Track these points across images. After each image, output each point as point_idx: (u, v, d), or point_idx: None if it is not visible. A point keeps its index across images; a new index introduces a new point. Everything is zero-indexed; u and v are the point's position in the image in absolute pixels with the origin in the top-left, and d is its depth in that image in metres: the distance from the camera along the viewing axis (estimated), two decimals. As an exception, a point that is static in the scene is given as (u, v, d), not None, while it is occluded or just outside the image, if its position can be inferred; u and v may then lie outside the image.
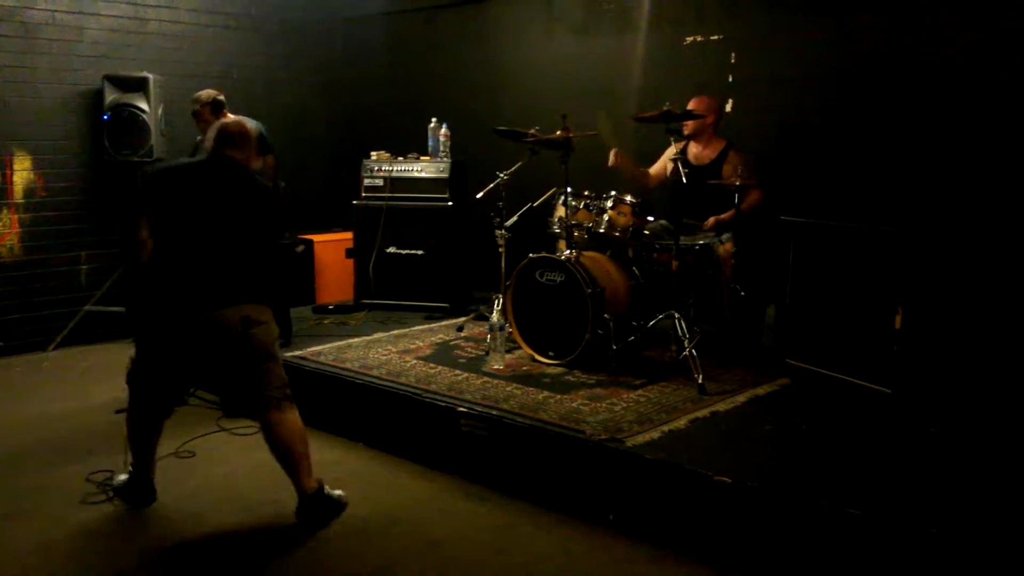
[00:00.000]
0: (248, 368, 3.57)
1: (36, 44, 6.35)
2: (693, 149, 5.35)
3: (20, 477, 4.12)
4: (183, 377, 3.86)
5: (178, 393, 3.92)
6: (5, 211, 6.32)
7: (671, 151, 4.83)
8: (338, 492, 3.73)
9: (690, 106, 5.11)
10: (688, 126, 5.21)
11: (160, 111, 6.46)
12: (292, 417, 3.60)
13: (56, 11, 6.42)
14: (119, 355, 6.35)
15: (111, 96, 6.34)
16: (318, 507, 3.62)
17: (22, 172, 6.38)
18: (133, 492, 3.81)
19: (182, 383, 3.94)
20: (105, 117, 6.33)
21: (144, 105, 6.34)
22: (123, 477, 3.85)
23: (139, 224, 3.70)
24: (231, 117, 5.20)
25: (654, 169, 5.54)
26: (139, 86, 6.37)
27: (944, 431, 3.76)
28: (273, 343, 3.68)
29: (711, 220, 5.13)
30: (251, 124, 5.28)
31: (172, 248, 3.59)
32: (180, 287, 3.53)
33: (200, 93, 5.27)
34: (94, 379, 5.74)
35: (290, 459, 3.59)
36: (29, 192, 6.43)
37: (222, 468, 4.22)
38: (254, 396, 3.59)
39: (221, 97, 5.27)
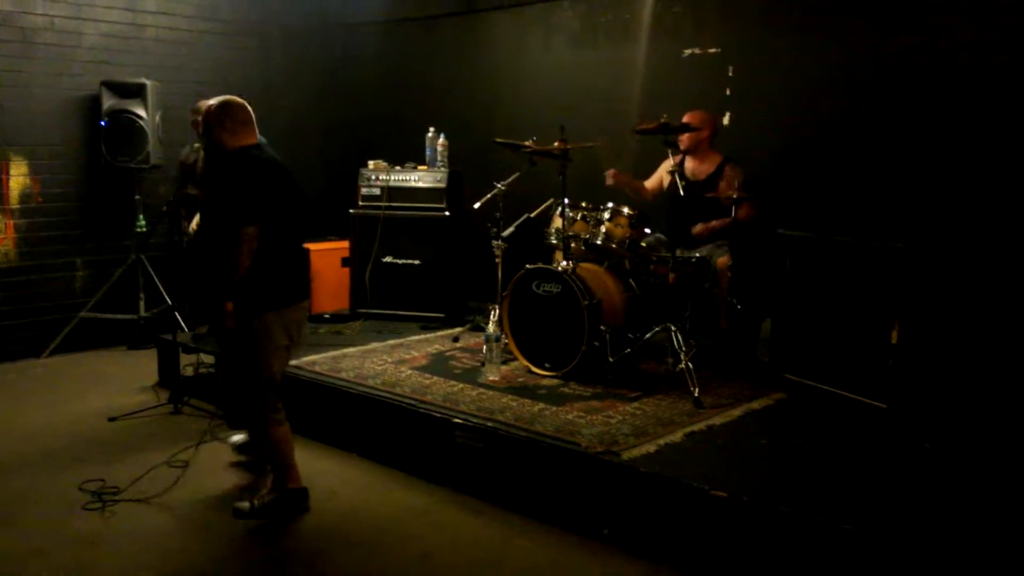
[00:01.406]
0: None
1: (34, 49, 6.35)
2: (690, 164, 5.35)
3: (12, 484, 4.10)
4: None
5: None
6: (1, 216, 6.30)
7: (668, 164, 4.83)
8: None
9: (685, 120, 5.12)
10: (683, 141, 5.22)
11: (158, 117, 6.46)
12: None
13: (55, 16, 6.42)
14: (114, 363, 6.39)
15: (109, 102, 6.34)
16: None
17: (18, 177, 6.36)
18: (292, 503, 3.80)
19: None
20: (102, 123, 6.34)
21: (142, 111, 6.34)
22: (269, 498, 3.80)
23: (249, 234, 3.52)
24: None
25: (650, 183, 5.55)
26: (137, 92, 6.37)
27: (939, 446, 3.76)
28: None
29: (699, 226, 5.12)
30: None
31: (286, 242, 3.74)
32: (298, 278, 3.87)
33: (200, 103, 5.25)
34: (88, 386, 5.72)
35: None
36: (25, 198, 6.41)
37: (215, 477, 4.20)
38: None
39: None
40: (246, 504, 3.77)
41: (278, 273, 3.68)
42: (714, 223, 5.08)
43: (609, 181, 5.35)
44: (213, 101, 3.73)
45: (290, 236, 3.78)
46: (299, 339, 3.87)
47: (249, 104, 3.79)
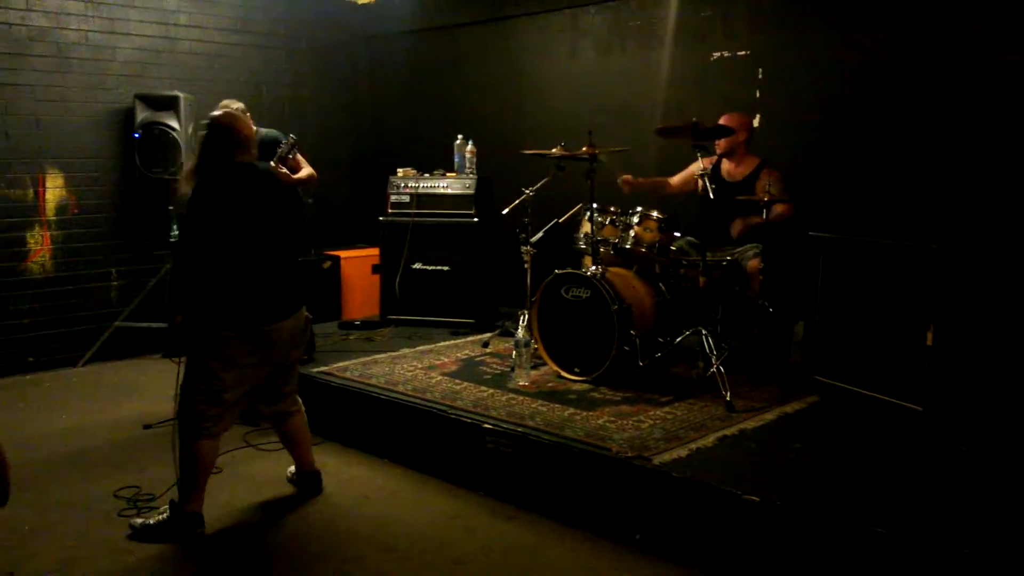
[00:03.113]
0: (297, 360, 4.04)
1: (69, 63, 6.46)
2: (726, 166, 5.32)
3: (48, 492, 4.15)
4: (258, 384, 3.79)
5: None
6: (37, 228, 6.41)
7: (698, 165, 4.80)
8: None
9: (721, 122, 5.09)
10: (720, 145, 5.19)
11: (190, 129, 6.53)
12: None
13: (89, 31, 6.53)
14: (148, 371, 6.47)
15: (142, 114, 6.42)
16: (317, 482, 4.16)
17: (54, 189, 6.47)
18: (186, 526, 3.64)
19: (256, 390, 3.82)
20: (136, 135, 6.41)
21: (174, 123, 6.41)
22: (162, 516, 3.68)
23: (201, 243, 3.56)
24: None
25: (677, 179, 5.52)
26: (170, 104, 6.45)
27: (976, 450, 3.69)
28: None
29: (738, 223, 5.07)
30: (265, 131, 5.33)
31: (248, 259, 3.63)
32: (267, 295, 3.68)
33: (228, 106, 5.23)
34: (123, 395, 5.79)
35: (306, 440, 4.12)
36: (61, 209, 6.52)
37: (248, 484, 4.23)
38: (293, 387, 4.01)
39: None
40: (139, 521, 3.70)
41: (237, 293, 3.60)
42: (753, 219, 4.99)
43: (626, 190, 5.35)
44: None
45: (255, 257, 3.64)
46: (268, 361, 3.71)
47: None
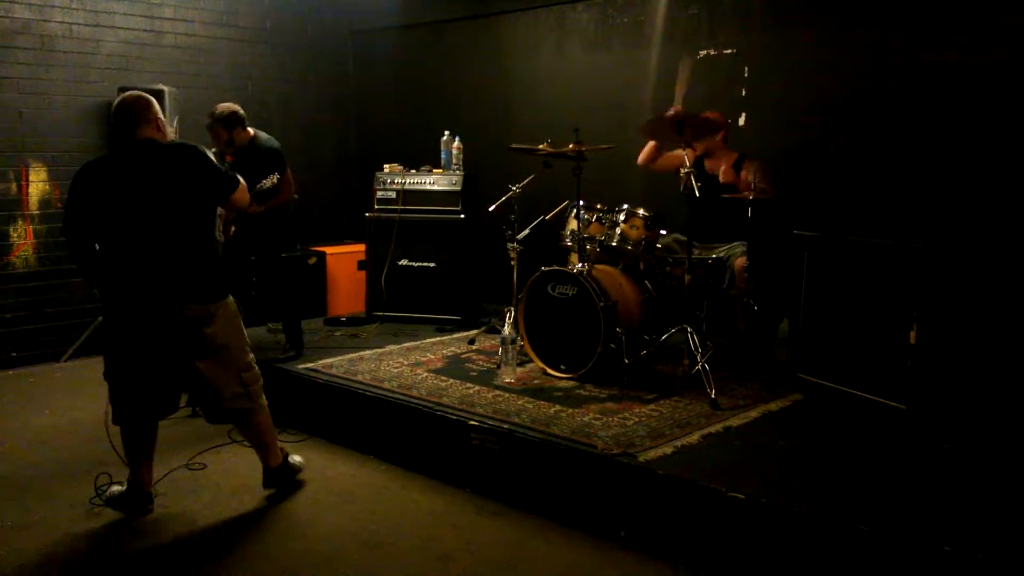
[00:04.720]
0: (209, 360, 3.70)
1: (53, 56, 6.41)
2: (708, 164, 5.33)
3: (30, 487, 4.14)
4: (161, 376, 3.73)
5: (162, 394, 3.81)
6: (20, 222, 6.37)
7: (684, 157, 4.81)
8: (296, 458, 4.21)
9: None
10: (698, 147, 5.21)
11: (175, 123, 6.49)
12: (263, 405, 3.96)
13: (73, 24, 6.48)
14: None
15: (126, 108, 6.36)
16: (283, 475, 4.08)
17: (37, 183, 6.43)
18: (127, 502, 3.84)
19: (162, 382, 3.77)
20: (120, 129, 6.36)
21: (159, 117, 6.36)
22: (118, 488, 3.91)
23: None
24: (249, 131, 5.22)
25: (664, 161, 5.46)
26: (155, 98, 6.37)
27: (958, 448, 3.73)
28: (233, 333, 3.80)
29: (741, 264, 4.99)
30: (264, 138, 5.28)
31: (120, 246, 3.63)
32: (136, 284, 3.62)
33: (217, 108, 5.20)
34: (107, 389, 5.74)
35: (266, 436, 4.00)
36: (44, 203, 6.47)
37: (233, 480, 4.21)
38: (233, 394, 3.80)
39: (235, 112, 5.17)
40: (116, 489, 3.92)
41: (109, 274, 3.66)
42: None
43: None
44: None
45: (125, 238, 3.61)
46: (153, 347, 3.64)
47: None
